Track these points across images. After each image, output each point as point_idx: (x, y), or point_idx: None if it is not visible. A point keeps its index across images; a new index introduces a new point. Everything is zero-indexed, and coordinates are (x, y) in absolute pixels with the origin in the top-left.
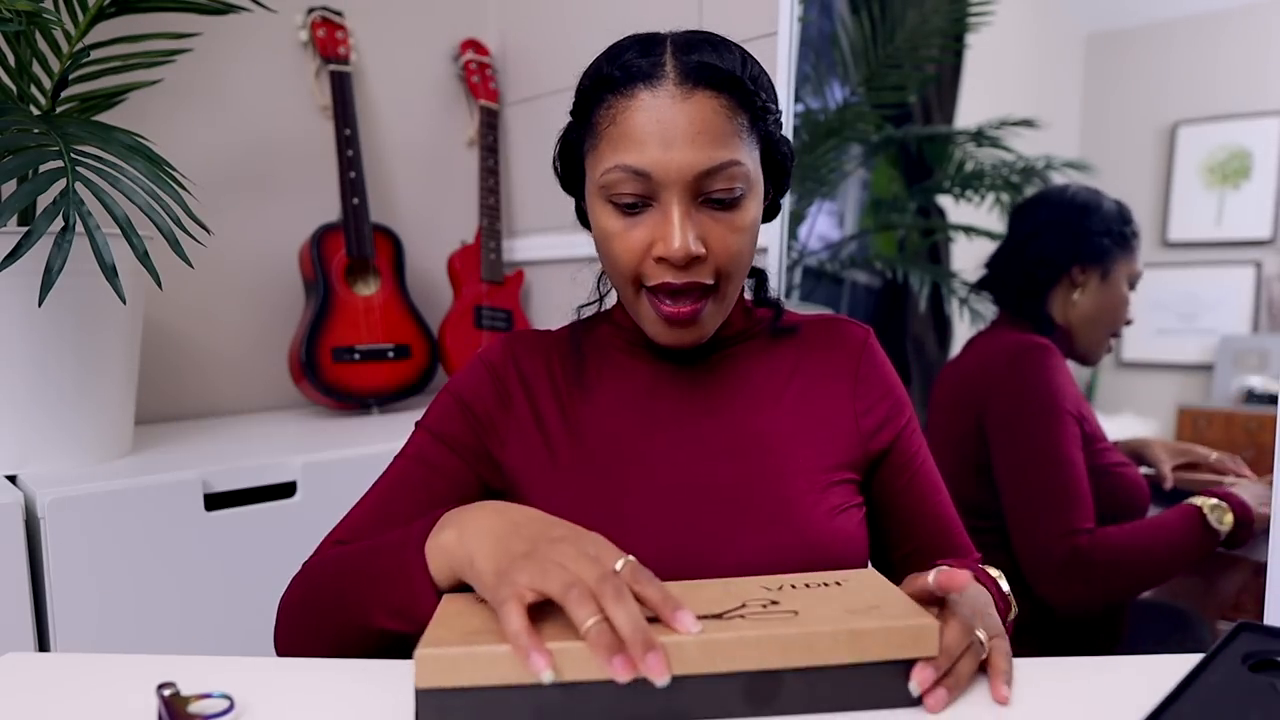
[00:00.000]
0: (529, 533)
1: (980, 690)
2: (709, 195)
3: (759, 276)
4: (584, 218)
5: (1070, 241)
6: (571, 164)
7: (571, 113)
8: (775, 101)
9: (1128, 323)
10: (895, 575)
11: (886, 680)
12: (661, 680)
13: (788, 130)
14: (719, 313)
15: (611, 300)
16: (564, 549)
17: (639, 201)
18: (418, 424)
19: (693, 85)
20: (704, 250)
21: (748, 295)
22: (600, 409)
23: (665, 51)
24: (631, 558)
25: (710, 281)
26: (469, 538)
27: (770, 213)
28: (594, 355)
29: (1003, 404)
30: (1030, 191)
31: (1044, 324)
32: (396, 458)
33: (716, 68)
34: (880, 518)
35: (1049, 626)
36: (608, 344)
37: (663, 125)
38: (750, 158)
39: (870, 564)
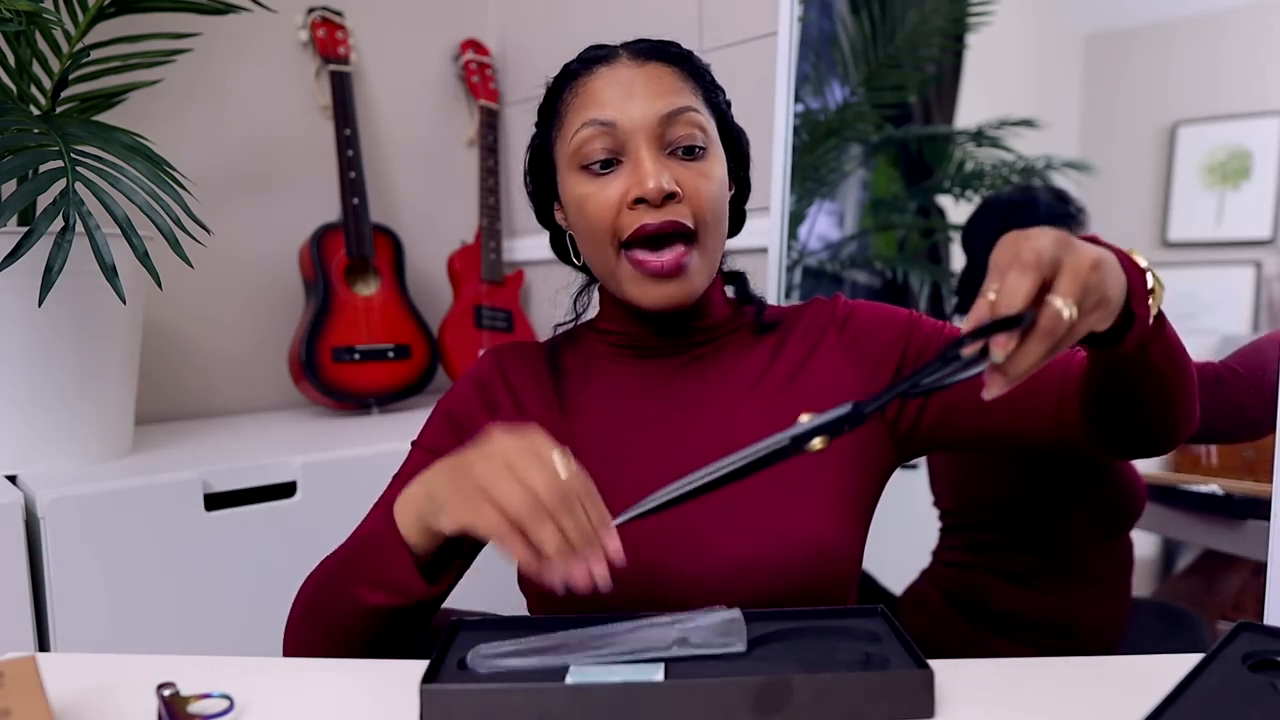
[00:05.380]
0: (477, 454)
1: (980, 689)
2: (674, 145)
3: (740, 280)
4: (550, 230)
5: None
6: (541, 176)
7: (537, 121)
8: (724, 91)
9: None
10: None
11: (898, 690)
12: (603, 582)
13: (787, 129)
14: (703, 267)
15: (591, 314)
16: (515, 463)
17: (610, 159)
18: (413, 443)
19: (645, 57)
20: (679, 190)
21: (730, 293)
22: (587, 415)
23: (619, 46)
24: (573, 468)
25: (689, 224)
26: (426, 481)
27: (736, 221)
28: (579, 363)
29: None
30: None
31: None
32: (394, 477)
33: (665, 45)
34: (973, 418)
35: (1051, 626)
36: (592, 351)
37: (621, 85)
38: (707, 118)
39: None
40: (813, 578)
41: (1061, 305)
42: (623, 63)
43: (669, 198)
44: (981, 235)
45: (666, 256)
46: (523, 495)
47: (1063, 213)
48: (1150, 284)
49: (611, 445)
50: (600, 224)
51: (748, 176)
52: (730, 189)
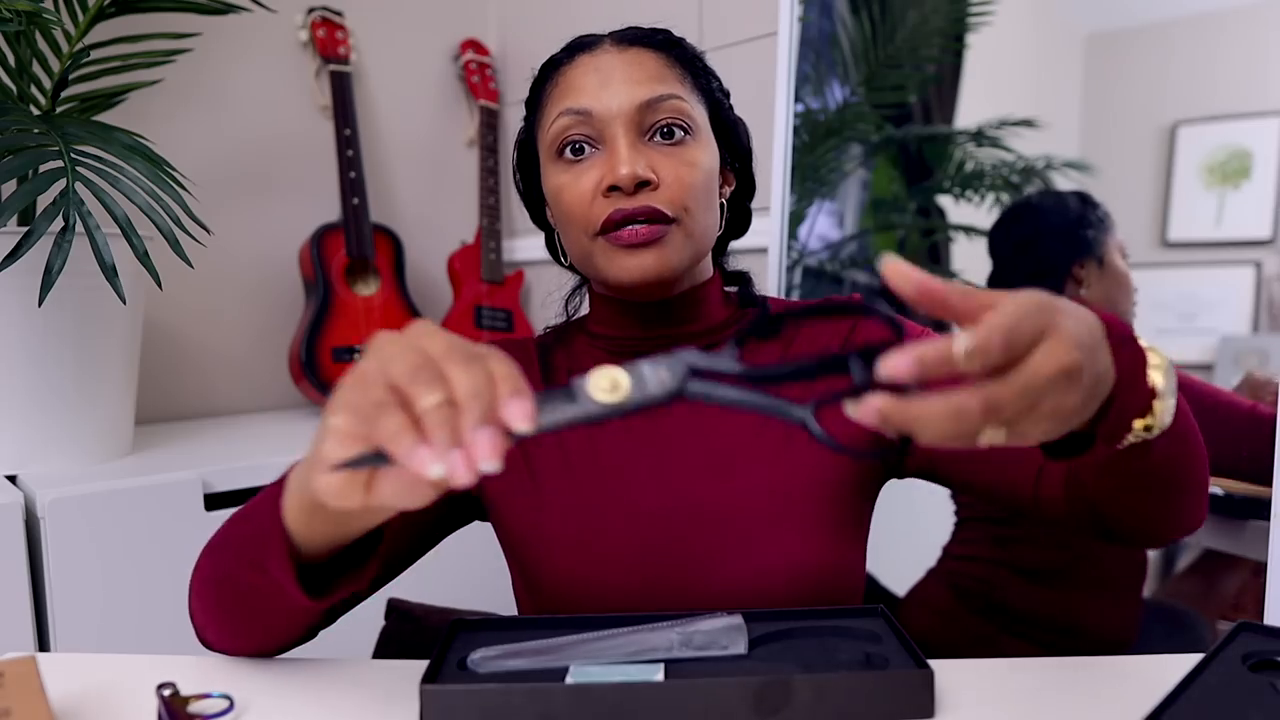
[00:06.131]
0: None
1: (980, 689)
2: (654, 128)
3: (743, 280)
4: (545, 230)
5: (1057, 247)
6: (528, 171)
7: (525, 116)
8: (719, 80)
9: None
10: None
11: (898, 690)
12: (487, 463)
13: (787, 129)
14: (685, 246)
15: (583, 313)
16: (414, 335)
17: (585, 144)
18: None
19: (629, 43)
20: (654, 177)
21: (731, 295)
22: (583, 425)
23: (606, 35)
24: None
25: (666, 212)
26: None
27: (741, 221)
28: (567, 365)
29: None
30: (1030, 191)
31: None
32: None
33: (652, 32)
34: (949, 462)
35: (1064, 627)
36: (583, 353)
37: (601, 72)
38: (694, 105)
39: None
40: (816, 603)
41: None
42: (604, 49)
43: (643, 185)
44: (1008, 242)
45: (642, 229)
46: (418, 355)
47: (1092, 217)
48: (1157, 396)
49: (602, 458)
50: (576, 214)
51: (750, 171)
52: (731, 184)
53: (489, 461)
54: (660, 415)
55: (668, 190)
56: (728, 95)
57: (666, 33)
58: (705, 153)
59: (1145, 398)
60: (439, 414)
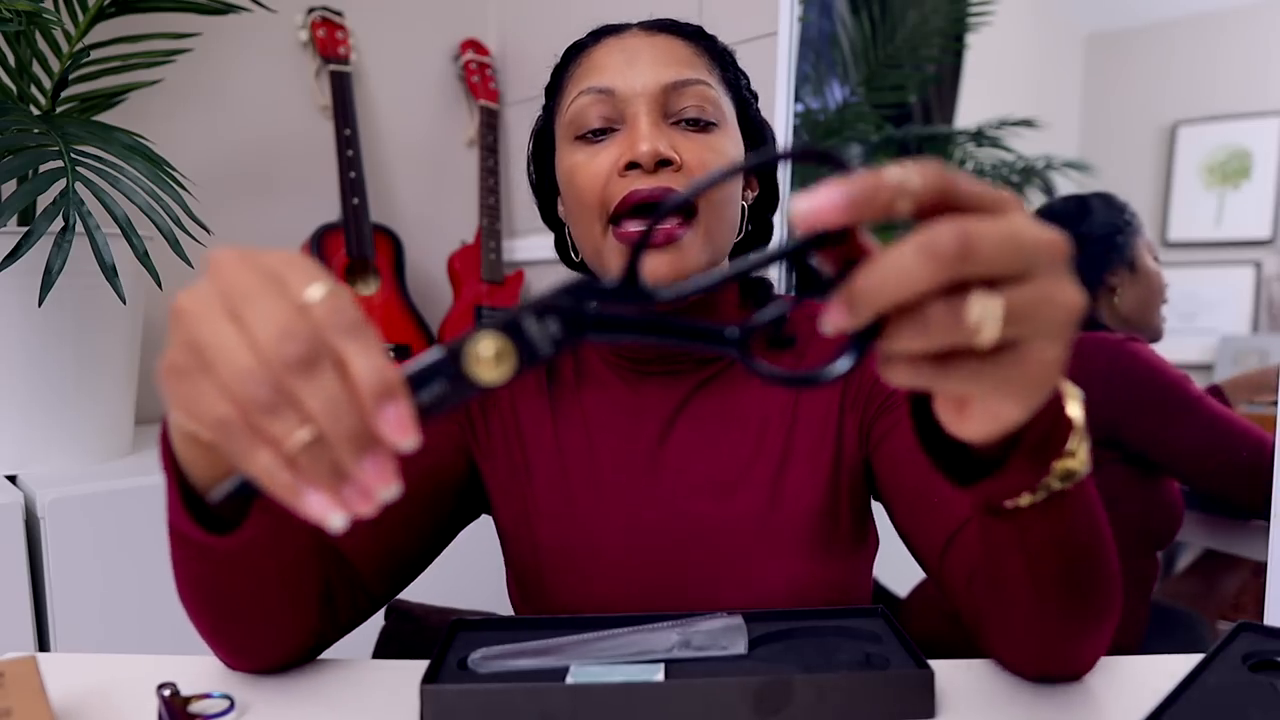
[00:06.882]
0: (190, 289)
1: (980, 689)
2: (679, 115)
3: (764, 289)
4: (555, 230)
5: (1088, 260)
6: (544, 161)
7: (544, 103)
8: (749, 79)
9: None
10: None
11: (898, 690)
12: (383, 493)
13: (787, 130)
14: (703, 249)
15: None
16: (240, 297)
17: (606, 126)
18: None
19: (658, 30)
20: (676, 158)
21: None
22: (577, 429)
23: (634, 22)
24: (332, 287)
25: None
26: None
27: (763, 232)
28: (571, 366)
29: (1139, 400)
30: (1031, 192)
31: (1100, 330)
32: None
33: (683, 23)
34: (887, 497)
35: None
36: (590, 359)
37: (627, 53)
38: (722, 97)
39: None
40: None
41: (982, 312)
42: (632, 33)
43: (664, 165)
44: None
45: (657, 232)
46: (245, 357)
47: (1120, 221)
48: (1074, 429)
49: (599, 465)
50: (589, 195)
51: (775, 179)
52: (754, 189)
53: (387, 489)
54: (662, 436)
55: (690, 174)
56: (756, 98)
57: (698, 27)
58: (732, 145)
59: (1064, 430)
60: (310, 454)
